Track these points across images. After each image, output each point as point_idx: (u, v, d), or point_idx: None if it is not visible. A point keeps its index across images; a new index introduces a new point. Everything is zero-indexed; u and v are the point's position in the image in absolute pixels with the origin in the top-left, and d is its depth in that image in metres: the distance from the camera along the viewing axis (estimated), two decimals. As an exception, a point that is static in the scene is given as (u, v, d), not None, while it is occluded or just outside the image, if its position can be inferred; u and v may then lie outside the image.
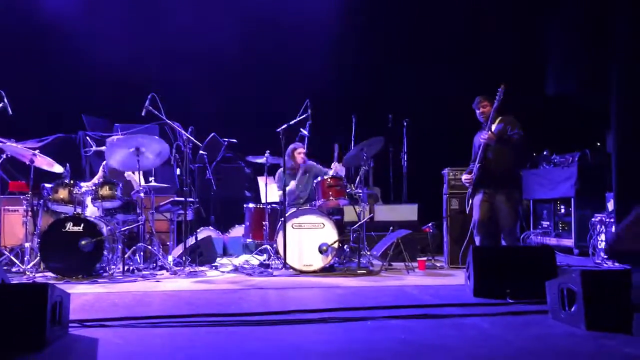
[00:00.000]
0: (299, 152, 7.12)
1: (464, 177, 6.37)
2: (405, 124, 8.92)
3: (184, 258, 6.43)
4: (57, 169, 6.65)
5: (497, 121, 6.11)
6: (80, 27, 9.01)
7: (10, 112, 6.04)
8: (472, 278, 4.71)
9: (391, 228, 7.39)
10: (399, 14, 9.61)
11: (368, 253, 6.79)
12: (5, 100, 5.99)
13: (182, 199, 6.66)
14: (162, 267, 6.42)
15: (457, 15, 9.19)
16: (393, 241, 6.74)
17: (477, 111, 6.23)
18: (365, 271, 6.27)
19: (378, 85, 9.62)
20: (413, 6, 9.36)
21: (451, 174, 6.96)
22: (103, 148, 6.70)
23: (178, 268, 6.32)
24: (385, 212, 8.07)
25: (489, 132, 6.01)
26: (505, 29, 8.94)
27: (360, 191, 6.69)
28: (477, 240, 6.19)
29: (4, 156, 6.59)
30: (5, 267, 6.17)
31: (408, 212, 8.11)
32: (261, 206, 6.88)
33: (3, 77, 7.62)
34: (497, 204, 6.07)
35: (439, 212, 7.20)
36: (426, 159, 8.62)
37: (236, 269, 6.61)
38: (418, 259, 6.67)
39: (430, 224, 7.62)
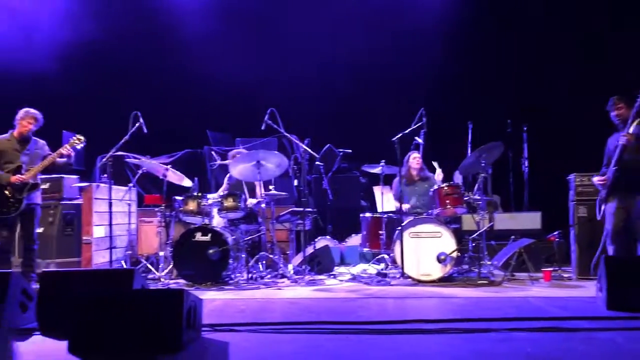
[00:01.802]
0: (414, 157, 7.10)
1: (596, 178, 5.96)
2: (525, 128, 8.56)
3: (303, 267, 6.61)
4: (186, 182, 7.12)
5: (636, 122, 5.68)
6: (206, 50, 9.62)
7: (145, 131, 6.54)
8: (604, 290, 4.42)
9: (513, 237, 7.12)
10: (516, 17, 9.31)
11: (488, 263, 6.59)
12: (141, 119, 6.49)
13: (301, 209, 6.87)
14: (282, 275, 6.64)
15: (582, 14, 8.73)
16: (515, 251, 6.49)
17: (612, 113, 5.83)
18: (486, 281, 6.09)
19: (495, 90, 9.34)
20: (531, 7, 9.02)
21: (578, 179, 6.57)
22: (227, 162, 7.07)
23: (298, 276, 6.51)
24: (506, 221, 7.78)
25: (627, 134, 5.60)
26: (634, 27, 8.35)
27: (478, 199, 6.52)
28: (610, 249, 5.77)
29: (140, 172, 7.17)
30: (142, 274, 6.69)
31: (530, 220, 7.75)
32: (378, 215, 6.92)
33: (138, 98, 8.34)
34: (633, 210, 5.64)
35: (564, 220, 6.83)
36: (549, 164, 8.23)
37: (354, 278, 6.69)
38: (543, 269, 6.38)
39: (555, 233, 7.22)
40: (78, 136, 6.11)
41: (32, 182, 5.80)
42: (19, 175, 5.72)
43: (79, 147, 6.11)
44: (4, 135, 5.88)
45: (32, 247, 5.90)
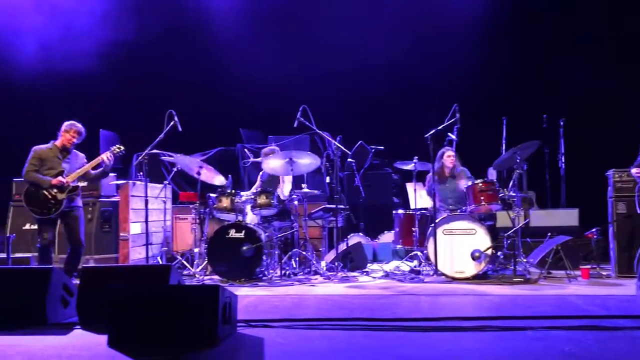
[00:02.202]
0: (449, 156, 7.01)
1: (634, 170, 5.81)
2: (561, 123, 8.39)
3: (336, 263, 6.62)
4: (219, 180, 7.20)
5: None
6: (238, 48, 9.71)
7: (180, 129, 6.63)
8: (645, 288, 4.32)
9: (549, 234, 7.00)
10: (551, 10, 9.14)
11: (524, 260, 6.48)
12: (176, 118, 6.59)
13: (333, 206, 6.88)
14: (315, 272, 6.66)
15: (618, 9, 8.53)
16: (552, 248, 6.38)
17: None
18: (521, 279, 6.00)
19: (530, 84, 9.20)
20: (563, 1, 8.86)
21: (617, 175, 6.42)
22: (259, 159, 7.13)
23: (331, 273, 6.53)
24: (542, 218, 7.65)
25: None
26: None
27: (513, 195, 6.42)
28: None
29: (175, 169, 7.28)
30: (178, 271, 6.79)
31: (567, 217, 7.60)
32: (410, 212, 6.88)
33: (172, 97, 8.48)
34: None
35: (603, 216, 6.68)
36: (586, 160, 8.07)
37: (387, 275, 6.67)
38: (581, 267, 6.25)
39: (594, 230, 7.06)
40: (118, 145, 6.27)
41: (72, 184, 5.96)
42: (60, 178, 5.90)
43: (117, 154, 6.28)
44: (46, 145, 6.07)
45: (78, 249, 6.07)
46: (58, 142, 6.07)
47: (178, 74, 9.83)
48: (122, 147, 6.31)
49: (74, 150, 6.20)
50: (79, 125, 6.11)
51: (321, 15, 9.72)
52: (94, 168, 6.16)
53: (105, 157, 6.09)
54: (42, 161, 5.98)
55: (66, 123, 6.11)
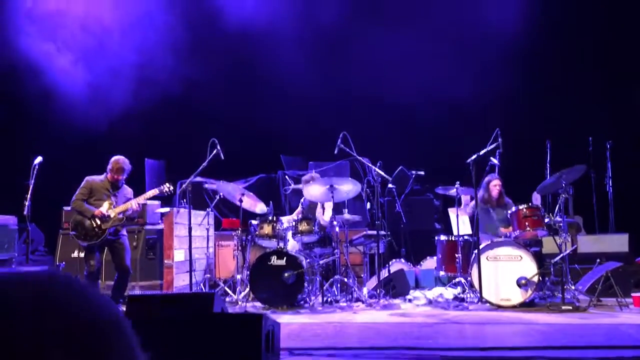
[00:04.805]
0: (495, 185, 6.90)
1: None
2: (608, 146, 8.19)
3: (378, 290, 6.56)
4: (261, 207, 7.26)
5: None
6: (279, 75, 9.86)
7: (223, 157, 6.74)
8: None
9: (598, 260, 6.79)
10: (594, 31, 9.00)
11: (572, 287, 6.30)
12: (218, 146, 6.71)
13: (374, 232, 6.84)
14: (357, 299, 6.60)
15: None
16: (602, 274, 6.18)
17: None
18: (570, 307, 5.81)
19: (573, 107, 9.03)
20: (605, 22, 8.71)
21: (668, 199, 6.22)
22: (300, 186, 7.18)
23: (373, 300, 6.47)
24: (590, 243, 7.44)
25: None
26: None
27: (560, 220, 6.27)
28: None
29: (218, 197, 7.40)
30: (220, 297, 6.85)
31: (617, 242, 7.38)
32: (453, 238, 6.79)
33: (214, 125, 8.65)
34: None
35: (655, 242, 6.46)
36: (634, 183, 7.83)
37: (430, 302, 6.57)
38: (632, 294, 6.02)
39: (645, 255, 6.83)
40: (168, 185, 6.44)
41: (113, 216, 6.13)
42: (102, 210, 6.08)
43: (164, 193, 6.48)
44: (99, 177, 6.30)
45: (125, 276, 6.23)
46: (109, 176, 6.28)
47: (219, 101, 10.03)
48: (172, 187, 6.48)
49: (125, 185, 6.41)
50: (122, 162, 6.28)
51: (361, 41, 9.82)
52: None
53: (134, 204, 6.25)
54: (91, 191, 6.19)
55: (112, 159, 6.30)
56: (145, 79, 9.71)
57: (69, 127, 9.19)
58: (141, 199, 6.41)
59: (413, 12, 9.52)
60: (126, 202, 6.29)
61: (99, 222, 6.08)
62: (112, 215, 6.11)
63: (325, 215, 7.19)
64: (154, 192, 6.45)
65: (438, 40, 9.43)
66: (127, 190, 6.47)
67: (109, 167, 6.28)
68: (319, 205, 7.26)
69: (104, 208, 6.12)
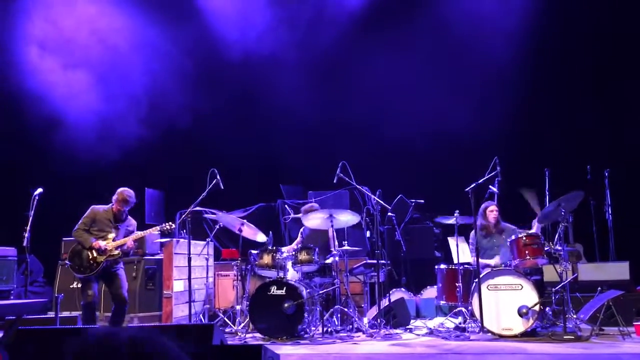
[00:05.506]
0: (491, 211, 6.91)
1: None
2: (606, 174, 8.22)
3: (378, 320, 6.52)
4: (261, 237, 7.25)
5: None
6: (277, 104, 9.95)
7: (222, 187, 6.76)
8: None
9: (599, 288, 6.77)
10: (591, 58, 9.12)
11: (574, 316, 6.26)
12: (218, 176, 6.73)
13: (374, 261, 6.82)
14: (358, 329, 6.55)
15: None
16: (603, 303, 6.15)
17: None
18: (572, 336, 5.77)
19: (571, 135, 9.09)
20: (603, 46, 8.83)
21: (668, 226, 6.22)
22: (299, 215, 7.18)
23: (373, 330, 6.42)
24: (591, 271, 7.42)
25: None
26: None
27: (560, 249, 6.26)
28: None
29: (217, 227, 7.39)
30: (220, 328, 6.79)
31: (618, 270, 7.35)
32: (453, 267, 6.77)
33: (212, 155, 8.69)
34: None
35: (656, 270, 6.44)
36: (634, 211, 7.84)
37: (431, 332, 6.51)
38: (634, 323, 5.98)
39: (646, 284, 6.81)
40: (170, 223, 6.49)
41: (109, 249, 6.12)
42: (100, 242, 6.08)
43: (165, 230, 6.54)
44: (103, 207, 6.32)
45: (122, 307, 6.19)
46: (114, 207, 6.29)
47: (218, 131, 10.07)
48: (173, 226, 6.52)
49: (129, 217, 6.42)
50: (127, 195, 6.30)
51: (360, 72, 9.93)
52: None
53: (130, 241, 6.26)
54: (94, 221, 6.20)
55: (119, 190, 6.33)
56: (145, 109, 9.78)
57: (70, 158, 9.23)
58: (139, 236, 6.44)
59: (413, 44, 9.64)
60: (126, 236, 6.29)
61: (95, 254, 6.07)
62: (108, 249, 6.10)
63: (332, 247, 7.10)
64: (153, 230, 6.47)
65: (438, 68, 9.54)
66: (130, 223, 6.47)
67: (115, 197, 6.30)
68: (330, 230, 7.10)
69: (104, 241, 6.12)
